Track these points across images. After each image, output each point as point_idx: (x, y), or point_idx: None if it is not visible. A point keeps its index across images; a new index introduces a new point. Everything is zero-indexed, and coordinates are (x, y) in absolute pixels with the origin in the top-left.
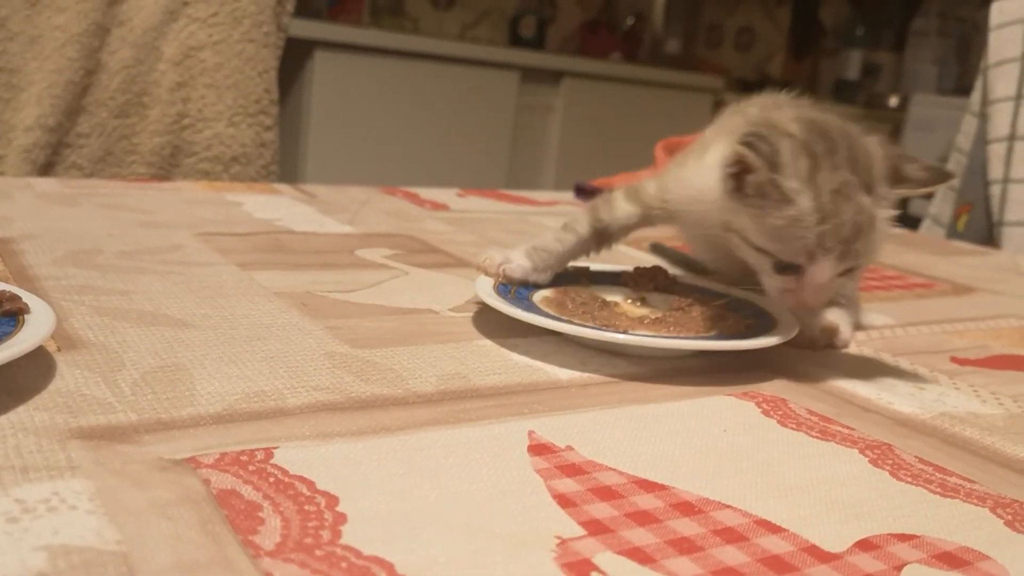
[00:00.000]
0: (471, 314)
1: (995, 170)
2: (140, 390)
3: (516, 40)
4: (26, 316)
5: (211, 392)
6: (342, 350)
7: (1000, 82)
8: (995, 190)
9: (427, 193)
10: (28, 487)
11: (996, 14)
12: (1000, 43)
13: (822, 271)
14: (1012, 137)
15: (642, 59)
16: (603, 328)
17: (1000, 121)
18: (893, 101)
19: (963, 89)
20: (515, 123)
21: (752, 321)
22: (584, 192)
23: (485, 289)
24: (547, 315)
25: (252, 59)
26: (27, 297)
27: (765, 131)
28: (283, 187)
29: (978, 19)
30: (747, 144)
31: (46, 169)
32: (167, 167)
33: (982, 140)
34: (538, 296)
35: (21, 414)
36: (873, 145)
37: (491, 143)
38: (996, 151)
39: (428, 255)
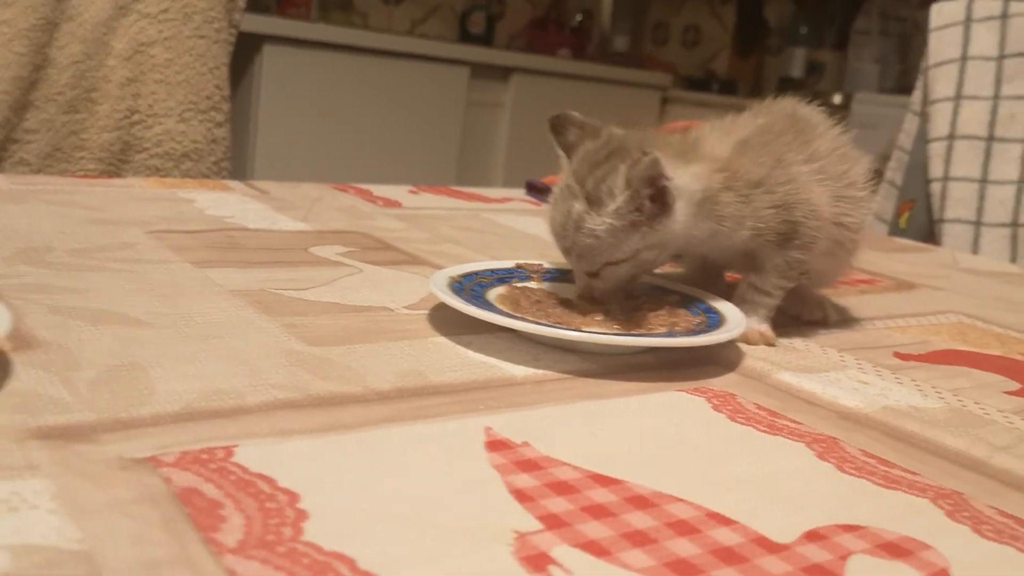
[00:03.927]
0: (426, 312)
1: (935, 168)
2: (98, 389)
3: (465, 36)
4: None
5: (169, 391)
6: (299, 348)
7: (940, 83)
8: (935, 188)
9: (379, 190)
10: None
11: (936, 16)
12: (940, 44)
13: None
14: (951, 136)
15: (590, 56)
16: (556, 326)
17: (940, 121)
18: (837, 99)
19: (904, 88)
20: (464, 119)
21: (702, 318)
22: (535, 189)
23: (441, 286)
24: (502, 312)
25: (203, 55)
26: None
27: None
28: (235, 184)
29: (919, 19)
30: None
31: None
32: (117, 164)
33: (923, 139)
34: (492, 294)
35: None
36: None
37: (440, 139)
38: (936, 150)
39: (382, 252)
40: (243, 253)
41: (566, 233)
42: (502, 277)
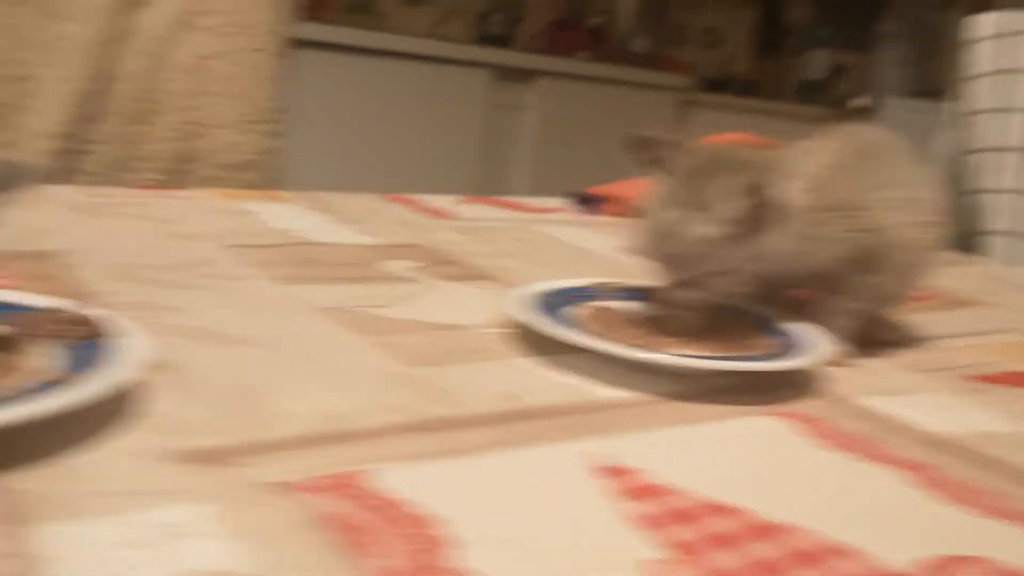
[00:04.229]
0: (505, 330)
1: (981, 180)
2: (225, 411)
3: (485, 37)
4: (108, 339)
5: (290, 413)
6: (397, 369)
7: (984, 94)
8: (982, 199)
9: (429, 200)
10: (148, 512)
11: (976, 26)
12: (983, 56)
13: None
14: (998, 148)
15: (609, 57)
16: (649, 350)
17: (985, 132)
18: (860, 102)
19: (930, 92)
20: (486, 122)
21: (779, 341)
22: (582, 200)
23: (522, 308)
24: (587, 333)
25: (260, 68)
26: (104, 316)
27: None
28: (290, 194)
29: (944, 22)
30: None
31: (60, 176)
32: (176, 174)
33: (961, 150)
34: (572, 313)
35: (121, 437)
36: None
37: (462, 142)
38: (982, 161)
39: (448, 267)
40: (319, 269)
41: (668, 242)
42: (579, 296)
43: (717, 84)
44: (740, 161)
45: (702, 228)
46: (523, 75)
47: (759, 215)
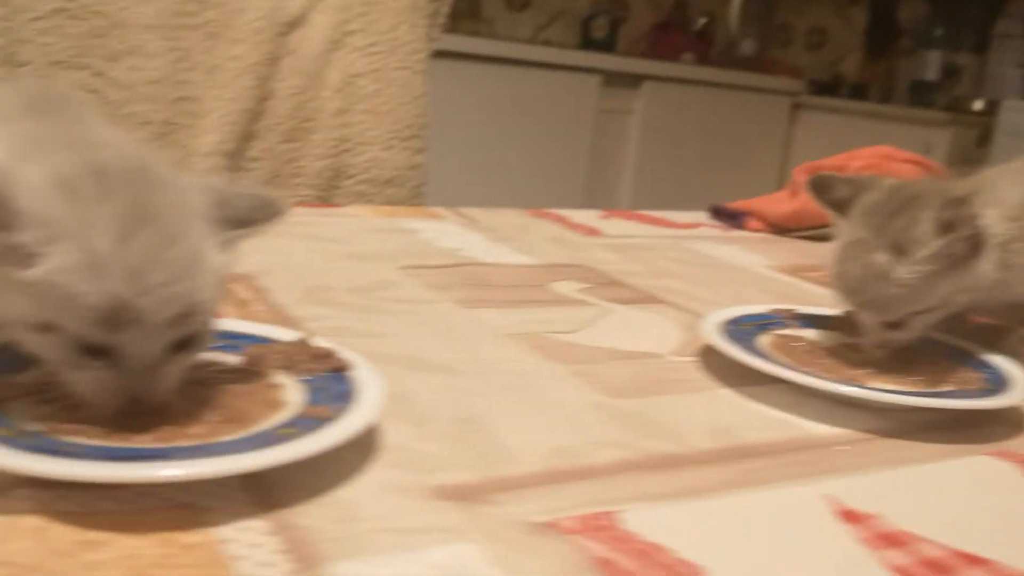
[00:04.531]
0: (694, 359)
1: None
2: (459, 445)
3: (588, 42)
4: (349, 372)
5: (521, 448)
6: (603, 400)
7: None
8: None
9: (573, 216)
10: (425, 551)
11: None
12: None
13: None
14: None
15: (714, 61)
16: (845, 382)
17: None
18: (977, 105)
19: None
20: (594, 127)
21: (984, 374)
22: (722, 214)
23: (718, 338)
24: (781, 365)
25: (407, 86)
26: (337, 348)
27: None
28: (440, 210)
29: None
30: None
31: None
32: (328, 189)
33: None
34: (760, 343)
35: (377, 472)
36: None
37: (570, 148)
38: None
39: (614, 289)
40: (493, 291)
41: (866, 286)
42: (763, 324)
43: (825, 87)
44: (933, 194)
45: (907, 269)
46: (630, 80)
47: (963, 249)
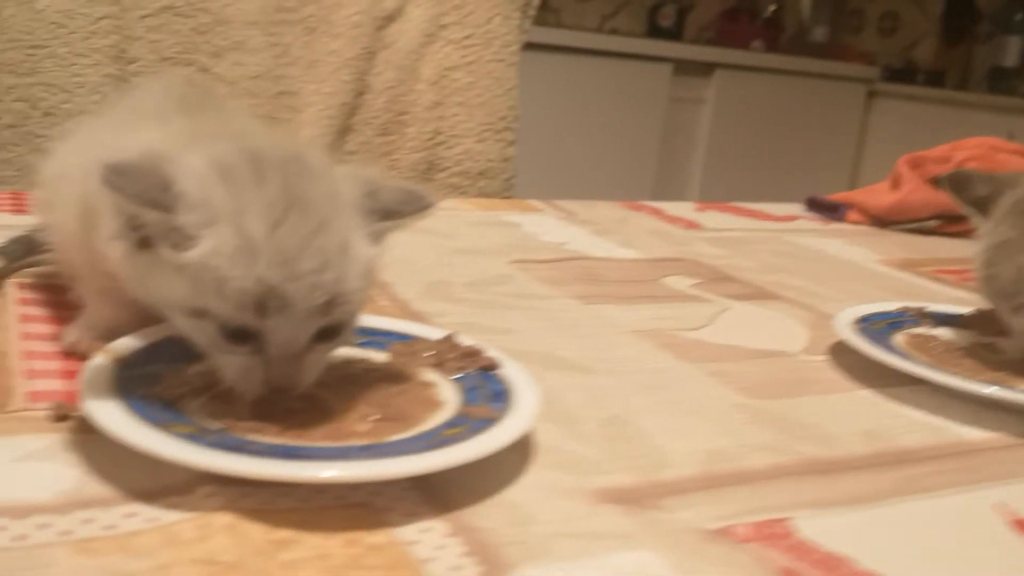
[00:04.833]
0: (825, 358)
1: None
2: (612, 447)
3: (655, 30)
4: (499, 370)
5: (675, 451)
6: (745, 401)
7: None
8: None
9: (668, 208)
10: (606, 557)
11: None
12: None
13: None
14: None
15: (784, 47)
16: (991, 383)
17: None
18: None
19: None
20: (666, 117)
21: None
22: (820, 206)
23: (854, 338)
24: (920, 365)
25: (500, 78)
26: (482, 346)
27: None
28: (537, 203)
29: None
30: None
31: None
32: (421, 182)
33: None
34: (895, 342)
35: (536, 473)
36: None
37: (641, 137)
38: None
39: (727, 284)
40: (609, 286)
41: (1021, 289)
42: (894, 322)
43: (899, 73)
44: None
45: None
46: (701, 68)
47: None
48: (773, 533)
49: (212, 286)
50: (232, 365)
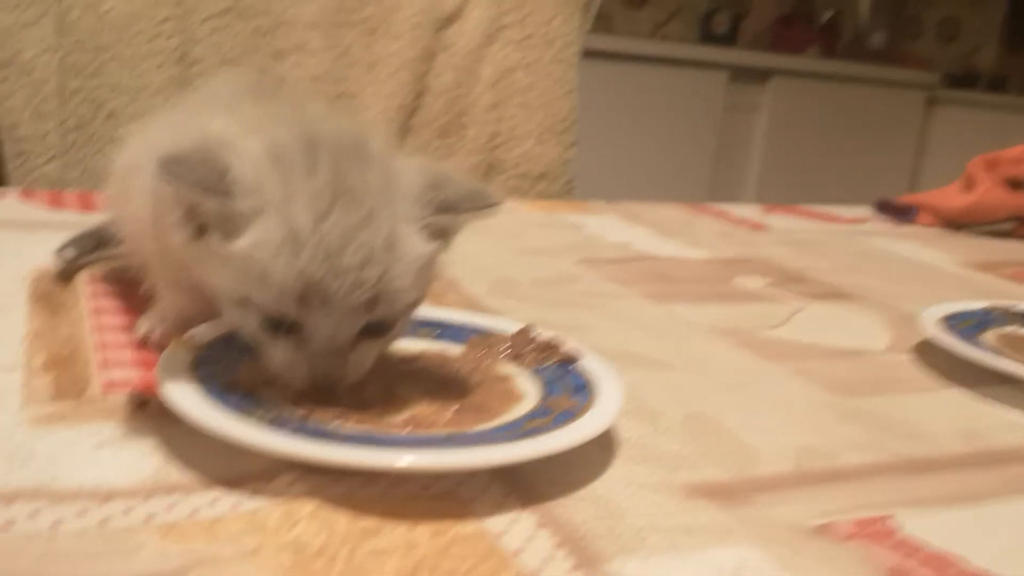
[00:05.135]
0: (908, 356)
1: None
2: (698, 443)
3: (708, 37)
4: (578, 363)
5: (764, 448)
6: (832, 399)
7: None
8: None
9: (733, 210)
10: (704, 552)
11: None
12: None
13: None
14: None
15: (841, 54)
16: None
17: None
18: None
19: None
20: (721, 124)
21: None
22: (890, 209)
23: (942, 336)
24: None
25: (560, 79)
26: (561, 338)
27: None
28: (600, 205)
29: None
30: None
31: None
32: None
33: None
34: (979, 339)
35: (622, 467)
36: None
37: (695, 145)
38: None
39: (801, 284)
40: (680, 286)
41: None
42: (981, 321)
43: (960, 80)
44: None
45: None
46: (757, 75)
47: None
48: (876, 531)
49: (256, 277)
50: (277, 356)
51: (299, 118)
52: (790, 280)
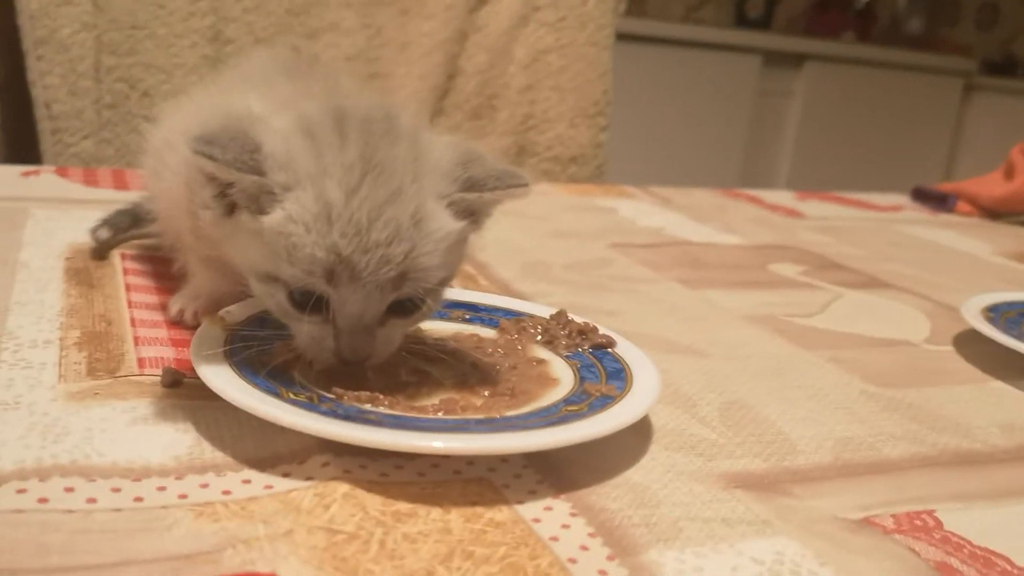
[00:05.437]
0: (950, 348)
1: None
2: (735, 431)
3: (742, 21)
4: (613, 348)
5: (802, 438)
6: (869, 389)
7: None
8: None
9: (767, 196)
10: (743, 543)
11: None
12: None
13: None
14: None
15: (877, 39)
16: None
17: None
18: None
19: None
20: (754, 109)
21: None
22: (927, 197)
23: (986, 327)
24: None
25: (594, 62)
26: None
27: None
28: (633, 189)
29: None
30: None
31: None
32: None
33: None
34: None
35: (658, 455)
36: None
37: (727, 130)
38: None
39: (837, 272)
40: (714, 271)
41: None
42: None
43: (998, 67)
44: None
45: None
46: (791, 60)
47: None
48: (920, 526)
49: (285, 252)
50: (303, 333)
51: (330, 94)
52: (826, 268)
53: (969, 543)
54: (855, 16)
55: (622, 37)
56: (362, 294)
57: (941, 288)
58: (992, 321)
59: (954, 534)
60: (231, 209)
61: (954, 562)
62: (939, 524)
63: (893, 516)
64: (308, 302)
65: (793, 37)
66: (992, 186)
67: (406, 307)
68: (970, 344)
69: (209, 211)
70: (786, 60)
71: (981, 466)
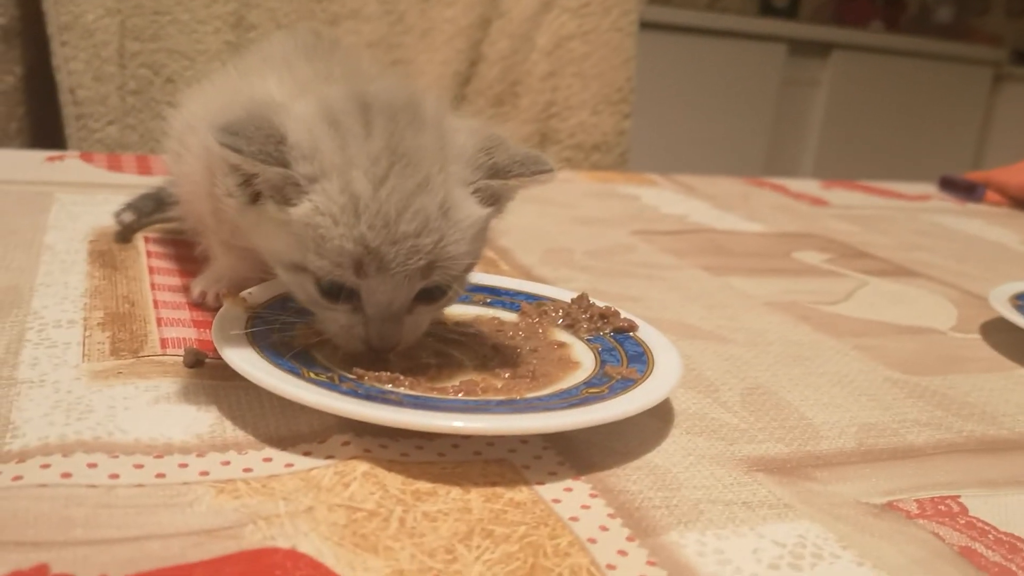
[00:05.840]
0: (978, 336)
1: None
2: (757, 416)
3: (767, 9)
4: (634, 332)
5: (825, 423)
6: (896, 376)
7: None
8: None
9: (791, 185)
10: (764, 527)
11: None
12: None
13: None
14: None
15: (905, 28)
16: None
17: None
18: None
19: None
20: (779, 98)
21: None
22: (955, 186)
23: (1018, 314)
24: None
25: (617, 48)
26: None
27: None
28: (656, 177)
29: None
30: None
31: None
32: None
33: None
34: None
35: (679, 438)
36: None
37: (752, 120)
38: None
39: (862, 260)
40: (738, 259)
41: None
42: None
43: None
44: None
45: None
46: (818, 49)
47: None
48: (943, 511)
49: (312, 243)
50: (331, 321)
51: (352, 78)
52: (851, 256)
53: (994, 528)
54: (883, 5)
55: (646, 26)
56: (391, 284)
57: (968, 277)
58: (1020, 309)
59: (979, 520)
60: (255, 197)
61: (979, 547)
62: (964, 510)
63: (917, 501)
64: (338, 292)
65: (819, 26)
66: (1021, 175)
67: (433, 294)
68: (997, 332)
69: (233, 199)
70: (812, 49)
71: (1007, 453)
